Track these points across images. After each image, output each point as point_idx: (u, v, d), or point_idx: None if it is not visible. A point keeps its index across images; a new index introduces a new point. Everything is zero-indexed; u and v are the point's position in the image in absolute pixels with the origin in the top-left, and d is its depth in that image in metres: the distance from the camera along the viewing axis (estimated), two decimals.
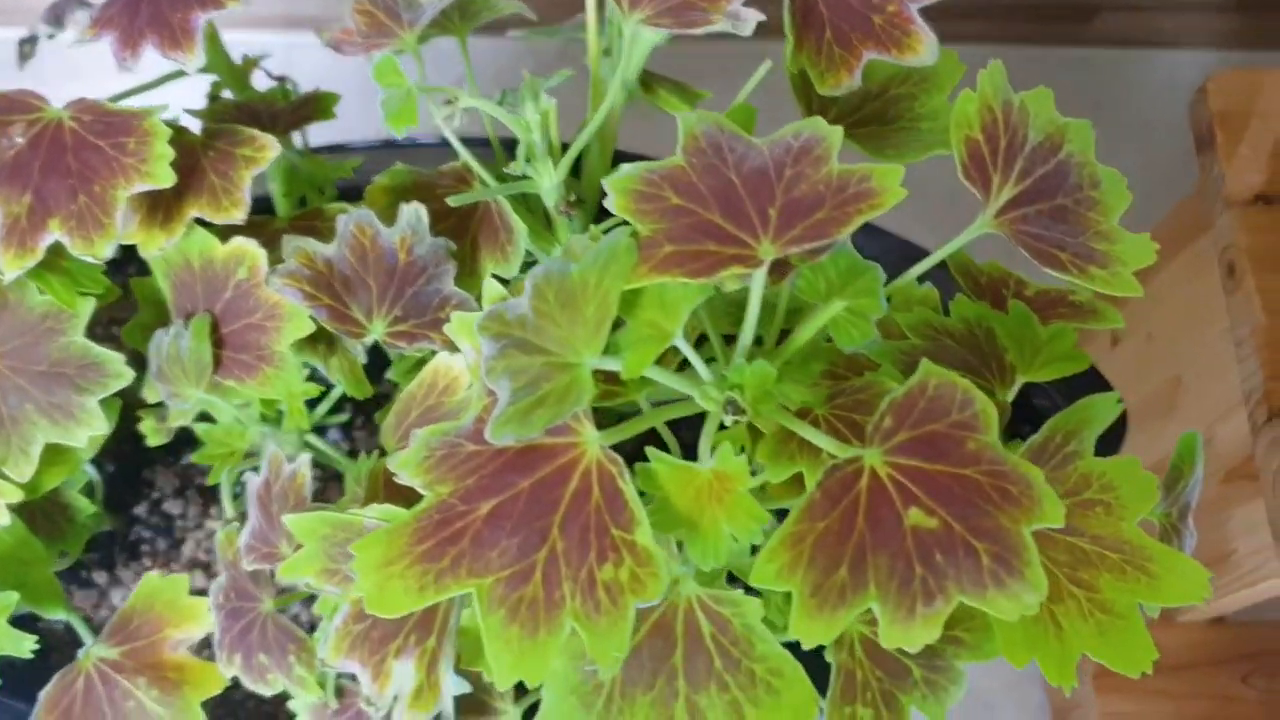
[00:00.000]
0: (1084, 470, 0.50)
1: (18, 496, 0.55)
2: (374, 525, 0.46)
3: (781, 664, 0.43)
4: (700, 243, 0.39)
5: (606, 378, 0.49)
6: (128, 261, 0.62)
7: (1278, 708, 0.99)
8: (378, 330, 0.54)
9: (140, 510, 0.70)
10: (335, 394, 0.59)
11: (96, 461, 0.68)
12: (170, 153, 0.48)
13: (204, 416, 0.60)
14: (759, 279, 0.40)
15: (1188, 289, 0.97)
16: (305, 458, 0.49)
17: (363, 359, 0.56)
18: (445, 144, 0.57)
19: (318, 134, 0.64)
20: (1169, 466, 0.54)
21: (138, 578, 0.67)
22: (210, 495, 0.70)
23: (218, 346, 0.54)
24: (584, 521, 0.39)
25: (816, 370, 0.48)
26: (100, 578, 0.69)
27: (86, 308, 0.54)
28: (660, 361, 0.46)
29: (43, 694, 0.53)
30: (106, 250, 0.48)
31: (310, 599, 0.62)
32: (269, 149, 0.52)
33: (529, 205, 0.59)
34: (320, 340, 0.56)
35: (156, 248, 0.52)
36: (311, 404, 0.59)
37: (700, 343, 0.47)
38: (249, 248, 0.53)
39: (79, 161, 0.48)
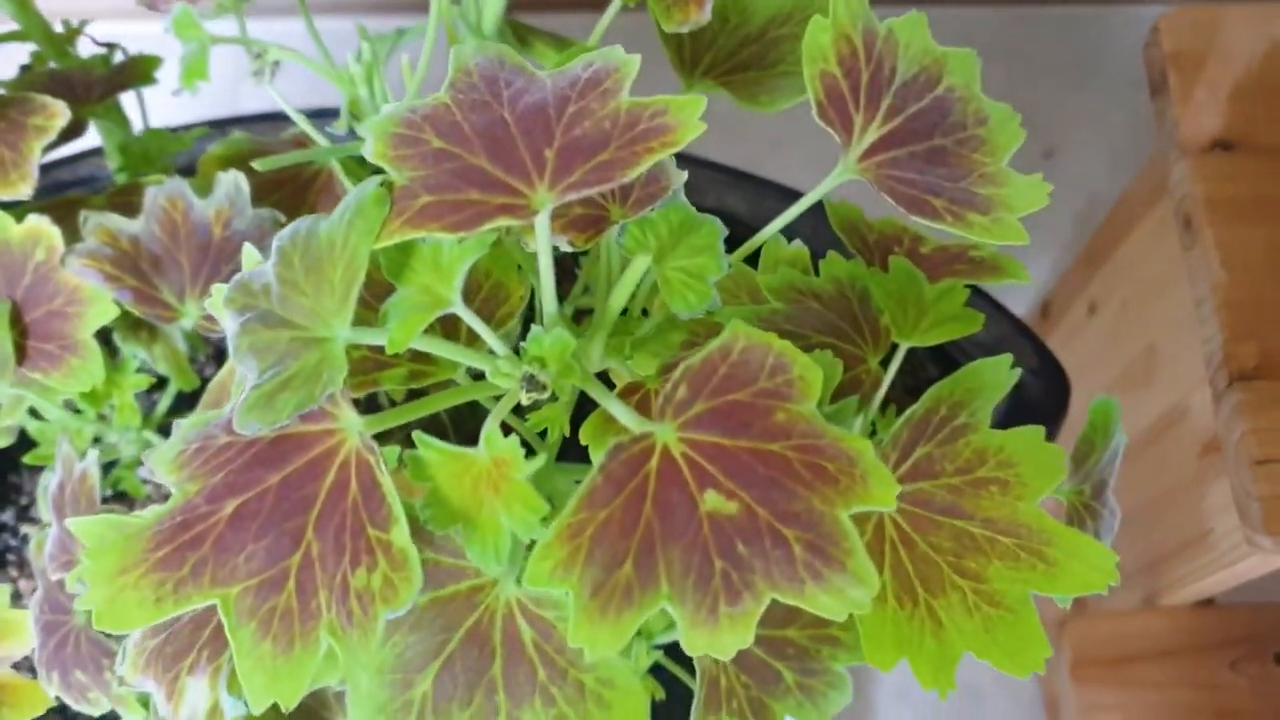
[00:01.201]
0: (978, 445, 0.44)
1: None
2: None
3: (612, 673, 0.38)
4: (463, 191, 0.34)
5: (413, 355, 0.44)
6: None
7: (1268, 695, 0.92)
8: (192, 313, 0.49)
9: (6, 517, 0.65)
10: (174, 388, 0.54)
11: None
12: None
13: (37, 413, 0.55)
14: (542, 232, 0.35)
15: (1158, 251, 0.91)
16: (93, 455, 0.44)
17: (183, 346, 0.51)
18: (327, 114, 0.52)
19: (189, 112, 0.59)
20: (1079, 438, 0.49)
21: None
22: None
23: (22, 336, 0.49)
24: (340, 520, 0.34)
25: (676, 341, 0.43)
26: None
27: None
28: (452, 336, 0.40)
29: None
30: None
31: None
32: (58, 116, 0.47)
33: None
34: (142, 327, 0.51)
35: None
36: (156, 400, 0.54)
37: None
38: (44, 227, 0.48)
39: None
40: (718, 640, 0.32)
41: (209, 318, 0.49)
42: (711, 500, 0.32)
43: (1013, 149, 0.46)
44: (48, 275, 0.48)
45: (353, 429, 0.34)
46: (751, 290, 0.47)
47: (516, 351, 0.37)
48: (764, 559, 0.32)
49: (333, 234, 0.34)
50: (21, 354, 0.49)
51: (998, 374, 0.46)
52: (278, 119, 0.69)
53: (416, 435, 0.34)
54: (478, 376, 0.41)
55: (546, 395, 0.36)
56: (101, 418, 0.54)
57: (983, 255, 0.51)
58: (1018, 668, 0.40)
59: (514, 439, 0.33)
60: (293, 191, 0.53)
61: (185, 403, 0.55)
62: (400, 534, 0.32)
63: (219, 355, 0.54)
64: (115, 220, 0.48)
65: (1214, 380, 0.70)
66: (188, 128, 0.62)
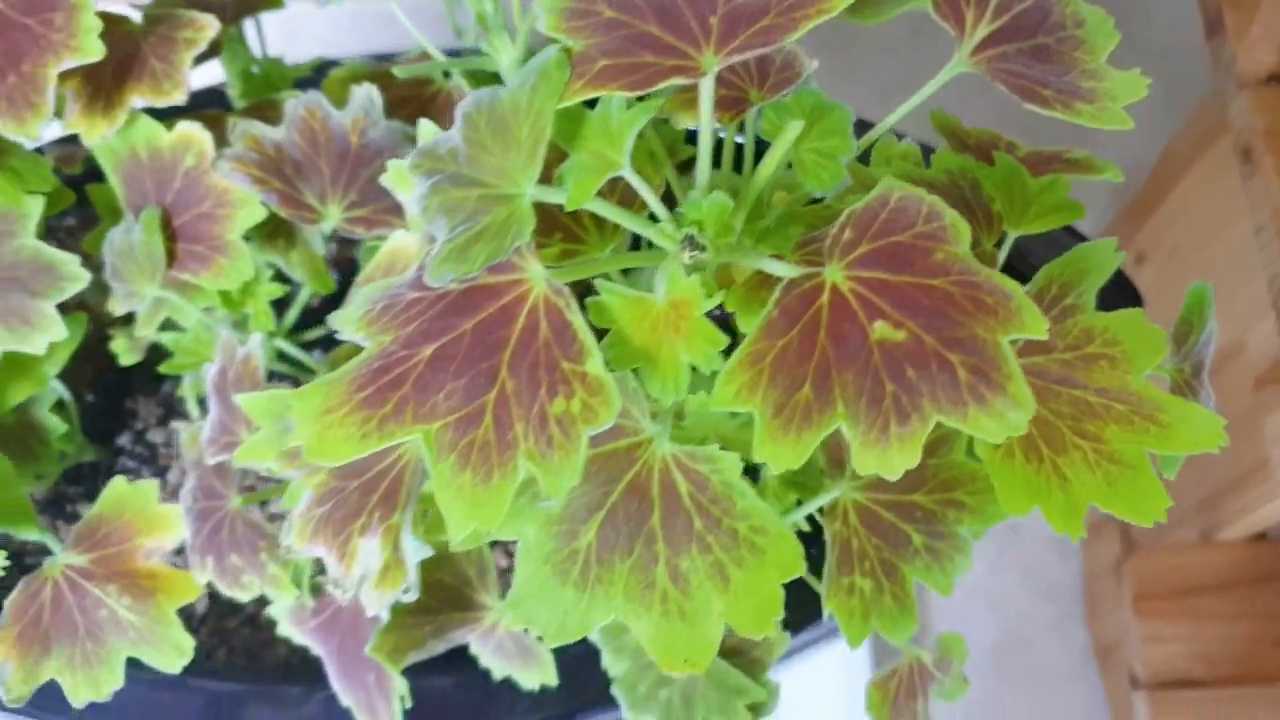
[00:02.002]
0: (1085, 324, 0.47)
1: None
2: None
3: (764, 521, 0.40)
4: (636, 55, 0.37)
5: (565, 235, 0.47)
6: (88, 176, 0.60)
7: None
8: (333, 216, 0.51)
9: (124, 440, 0.68)
10: (303, 297, 0.57)
11: (75, 391, 0.66)
12: (98, 24, 0.46)
13: (171, 327, 0.58)
14: (706, 92, 0.37)
15: (1209, 193, 0.93)
16: (257, 338, 0.47)
17: (321, 251, 0.54)
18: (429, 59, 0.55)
19: (301, 50, 0.62)
20: (1177, 320, 0.51)
21: None
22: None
23: (171, 240, 0.52)
24: (533, 359, 0.36)
25: (795, 234, 0.45)
26: (85, 510, 0.67)
27: (35, 207, 0.52)
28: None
29: (7, 602, 0.51)
30: (38, 129, 0.46)
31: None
32: (208, 28, 0.50)
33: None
34: (280, 235, 0.54)
35: (99, 135, 0.50)
36: (284, 312, 0.57)
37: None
38: (195, 133, 0.51)
39: (6, 41, 0.46)
40: (887, 459, 0.35)
41: (350, 219, 0.51)
42: (881, 329, 0.35)
43: (1109, 49, 0.49)
44: (197, 180, 0.51)
45: (539, 278, 0.37)
46: (867, 185, 0.50)
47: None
48: (931, 383, 0.34)
49: (516, 99, 0.37)
50: (170, 258, 0.52)
51: (1104, 256, 0.48)
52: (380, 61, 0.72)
53: (599, 283, 0.37)
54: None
55: (705, 255, 0.38)
56: (235, 325, 0.56)
57: (1076, 157, 0.54)
58: (1141, 516, 0.43)
59: (695, 279, 0.36)
60: (414, 110, 0.56)
61: (313, 311, 0.58)
62: (594, 364, 0.35)
63: (338, 264, 0.57)
64: (260, 128, 0.51)
65: (1276, 301, 0.72)
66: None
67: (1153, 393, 0.46)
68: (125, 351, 0.62)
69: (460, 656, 0.58)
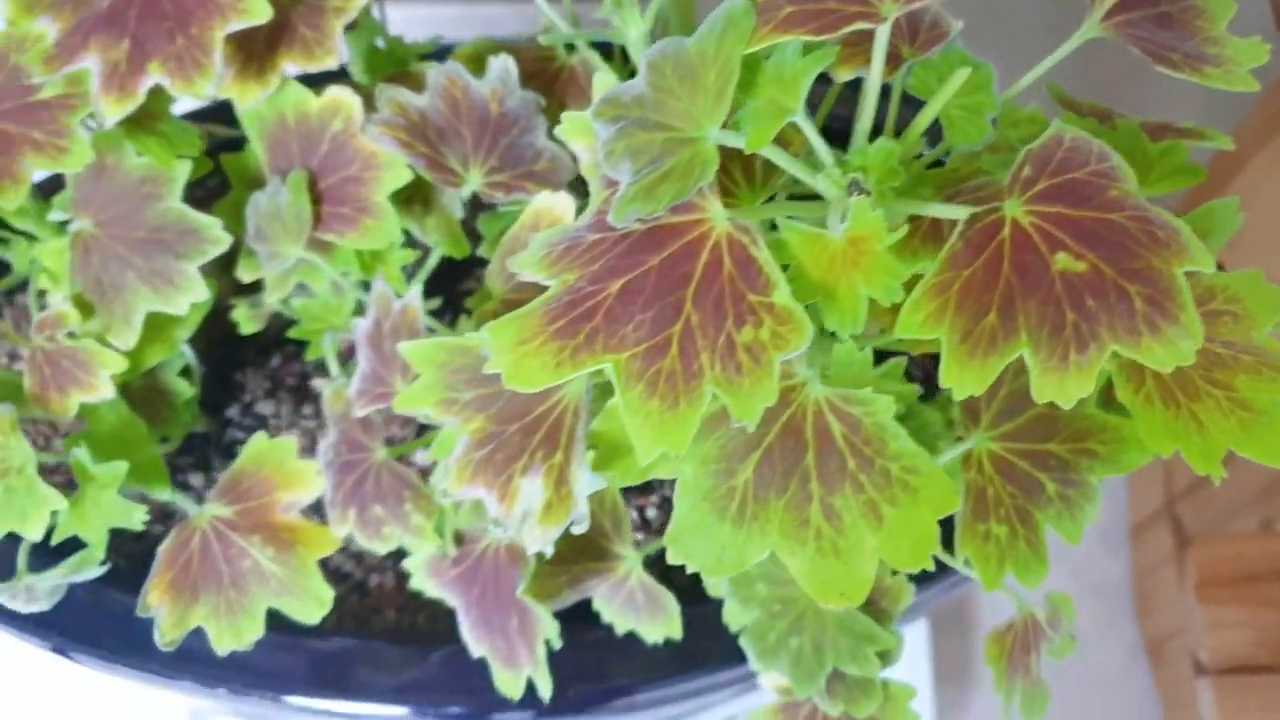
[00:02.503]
0: (1208, 283, 0.48)
1: (122, 366, 0.55)
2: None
3: (917, 461, 0.42)
4: (821, 1, 0.38)
5: (723, 189, 0.48)
6: (219, 148, 0.62)
7: None
8: (474, 180, 0.53)
9: (233, 412, 0.70)
10: (430, 264, 0.59)
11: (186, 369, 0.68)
12: None
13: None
14: (882, 38, 0.39)
15: (1274, 180, 0.95)
16: (417, 289, 0.48)
17: (460, 214, 0.55)
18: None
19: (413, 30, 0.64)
20: None
21: None
22: (301, 395, 0.70)
23: (315, 203, 0.54)
24: (718, 292, 0.38)
25: (928, 195, 0.47)
26: (196, 480, 0.68)
27: (183, 170, 0.53)
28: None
29: (160, 549, 0.53)
30: (207, 88, 0.48)
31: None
32: None
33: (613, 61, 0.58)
34: (415, 201, 0.56)
35: (252, 99, 0.52)
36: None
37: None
38: (344, 97, 0.52)
39: (176, 6, 0.48)
40: (1065, 386, 0.36)
41: (491, 184, 0.53)
42: (1062, 260, 0.36)
43: (1228, 16, 0.50)
44: (345, 143, 0.53)
45: (720, 217, 0.38)
46: (993, 146, 0.51)
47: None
48: (1109, 312, 0.36)
49: (703, 46, 0.39)
50: (315, 220, 0.54)
51: (1227, 216, 0.50)
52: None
53: (780, 220, 0.39)
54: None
55: (870, 200, 0.40)
56: (364, 285, 0.58)
57: (1188, 126, 0.56)
58: (1276, 459, 0.44)
59: (880, 213, 0.38)
60: (541, 85, 0.58)
61: (441, 276, 0.60)
62: (782, 295, 0.37)
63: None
64: (405, 94, 0.53)
65: None
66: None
67: (1276, 346, 0.47)
68: (246, 320, 0.63)
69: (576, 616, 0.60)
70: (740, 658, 0.62)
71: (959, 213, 0.38)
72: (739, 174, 0.49)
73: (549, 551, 0.44)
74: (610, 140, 0.39)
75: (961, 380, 0.36)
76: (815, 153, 0.41)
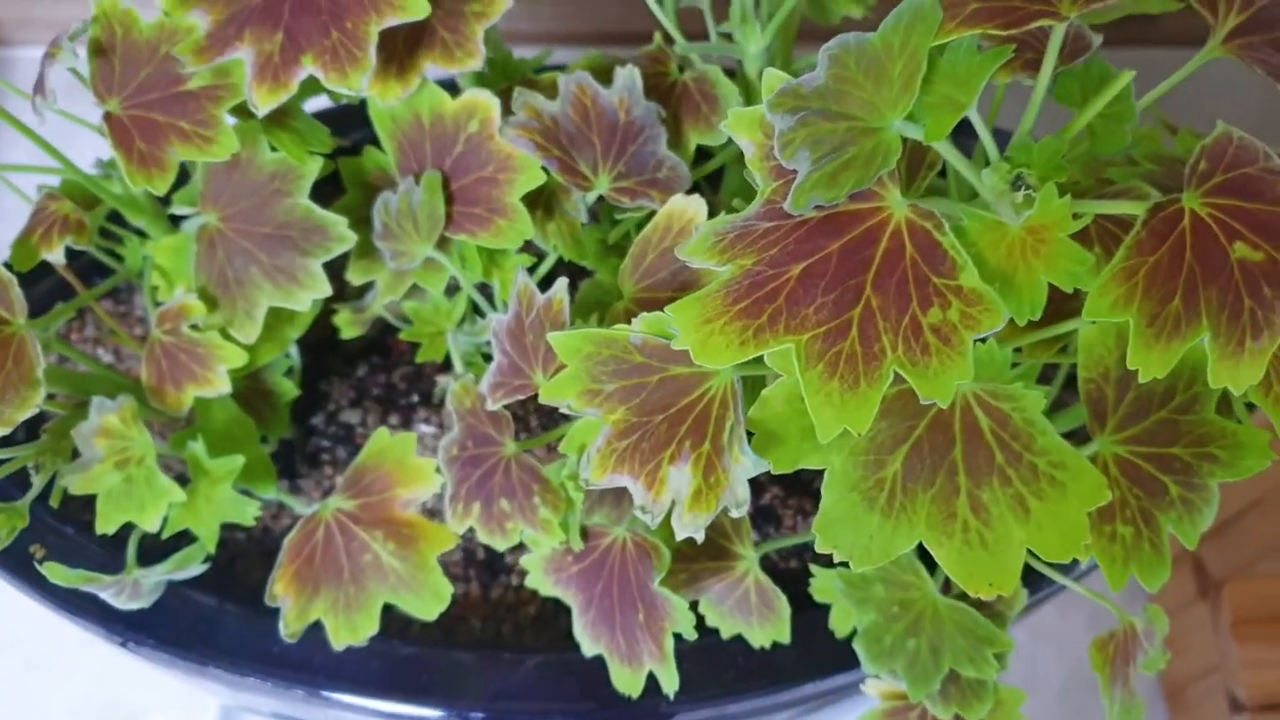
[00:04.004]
0: None
1: (242, 360, 0.55)
2: (639, 340, 0.46)
3: (1064, 457, 0.43)
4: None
5: None
6: (333, 153, 0.63)
7: None
8: (603, 185, 0.54)
9: (318, 421, 0.70)
10: (545, 268, 0.59)
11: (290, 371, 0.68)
12: None
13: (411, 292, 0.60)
14: (1057, 37, 0.41)
15: None
16: (563, 281, 0.49)
17: (584, 219, 0.56)
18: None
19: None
20: None
21: (319, 485, 0.67)
22: (386, 405, 0.70)
23: (447, 203, 0.55)
24: (900, 276, 0.39)
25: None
26: (282, 486, 0.68)
27: (314, 167, 0.54)
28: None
29: (287, 540, 0.53)
30: (360, 82, 0.49)
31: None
32: (500, 2, 0.53)
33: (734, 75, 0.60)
34: (538, 205, 0.57)
35: (393, 98, 0.53)
36: None
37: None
38: (482, 99, 0.54)
39: (330, 1, 0.49)
40: (1239, 373, 0.38)
41: (617, 189, 0.54)
42: (1240, 250, 0.38)
43: None
44: (480, 145, 0.54)
45: (900, 204, 0.40)
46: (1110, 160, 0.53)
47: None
48: None
49: (888, 38, 0.40)
50: (446, 219, 0.55)
51: None
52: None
53: (961, 208, 0.40)
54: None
55: (1034, 194, 0.42)
56: (480, 288, 0.59)
57: None
58: None
59: (1067, 199, 0.39)
60: (657, 98, 0.59)
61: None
62: (970, 277, 0.38)
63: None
64: (539, 99, 0.54)
65: None
66: None
67: None
68: (348, 325, 0.64)
69: None
70: (835, 668, 0.62)
71: (1137, 209, 0.40)
72: (885, 175, 0.50)
73: (700, 537, 0.45)
74: (789, 130, 0.40)
75: (1147, 362, 0.37)
76: (983, 149, 0.42)
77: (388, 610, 0.55)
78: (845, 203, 0.40)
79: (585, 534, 0.53)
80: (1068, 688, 1.29)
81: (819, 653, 0.62)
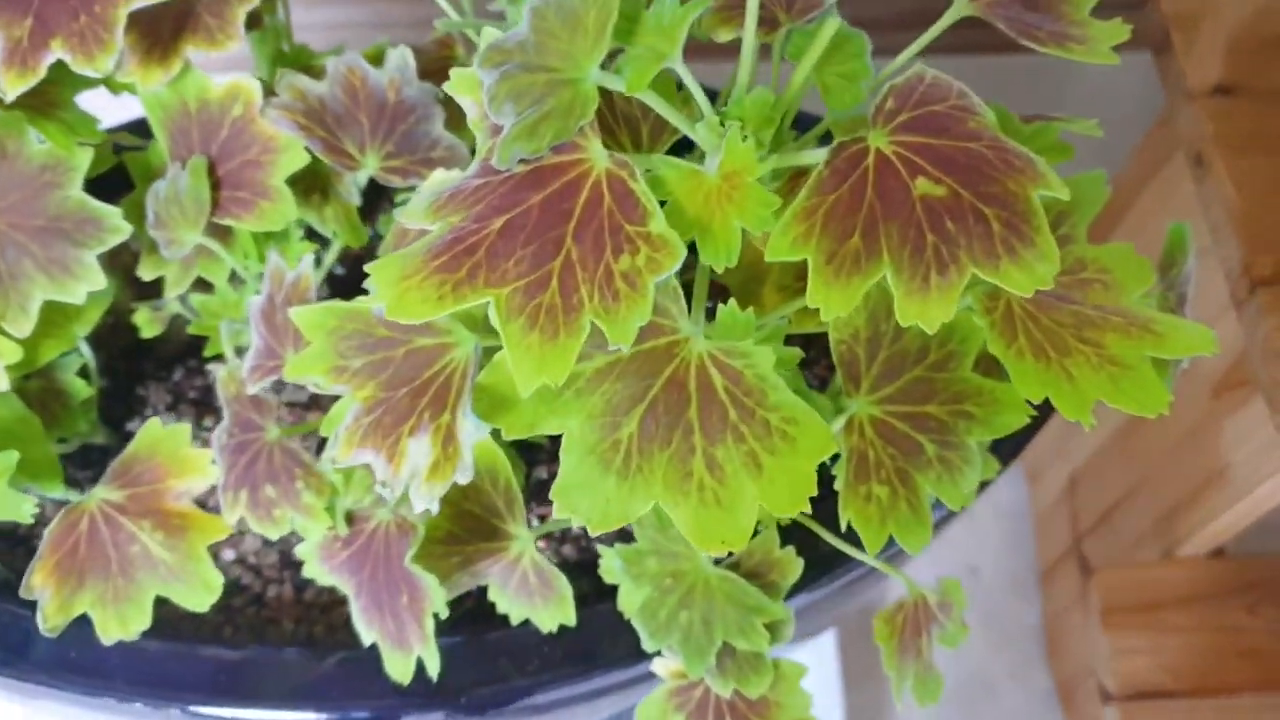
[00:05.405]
0: (1078, 254, 0.51)
1: (17, 355, 0.54)
2: (382, 312, 0.46)
3: (795, 412, 0.43)
4: None
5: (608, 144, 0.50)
6: (121, 148, 0.62)
7: None
8: (371, 164, 0.54)
9: (134, 426, 0.69)
10: (330, 257, 0.59)
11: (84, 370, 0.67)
12: None
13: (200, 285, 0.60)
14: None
15: (1156, 220, 0.99)
16: (308, 258, 0.49)
17: (356, 201, 0.56)
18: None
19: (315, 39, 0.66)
20: (1161, 255, 0.55)
21: None
22: (202, 407, 0.69)
23: (215, 188, 0.54)
24: (597, 226, 0.39)
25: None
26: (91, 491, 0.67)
27: (84, 158, 0.54)
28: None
29: (47, 532, 0.52)
30: (107, 63, 0.48)
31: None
32: None
33: None
34: (314, 190, 0.57)
35: (155, 83, 0.52)
36: None
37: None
38: (245, 83, 0.53)
39: None
40: (927, 310, 0.38)
41: (387, 169, 0.54)
42: (922, 185, 0.38)
43: (1090, 4, 0.54)
44: (244, 128, 0.54)
45: (601, 156, 0.40)
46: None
47: None
48: (968, 235, 0.38)
49: None
50: (214, 205, 0.55)
51: (1094, 190, 0.52)
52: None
53: (656, 158, 0.40)
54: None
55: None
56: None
57: (1057, 115, 0.59)
58: (1145, 409, 0.46)
59: (751, 143, 0.39)
60: (439, 81, 0.59)
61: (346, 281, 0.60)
62: (658, 223, 0.38)
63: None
64: (304, 80, 0.54)
65: (1235, 291, 0.77)
66: None
67: (1145, 309, 0.49)
68: (148, 323, 0.63)
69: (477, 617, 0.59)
70: (641, 656, 0.62)
71: (822, 155, 0.40)
72: (626, 139, 0.50)
73: (435, 509, 0.44)
74: (494, 85, 0.40)
75: (828, 300, 0.37)
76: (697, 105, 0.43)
77: (198, 615, 0.55)
78: (549, 156, 0.40)
79: (352, 518, 0.53)
80: (961, 688, 1.29)
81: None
